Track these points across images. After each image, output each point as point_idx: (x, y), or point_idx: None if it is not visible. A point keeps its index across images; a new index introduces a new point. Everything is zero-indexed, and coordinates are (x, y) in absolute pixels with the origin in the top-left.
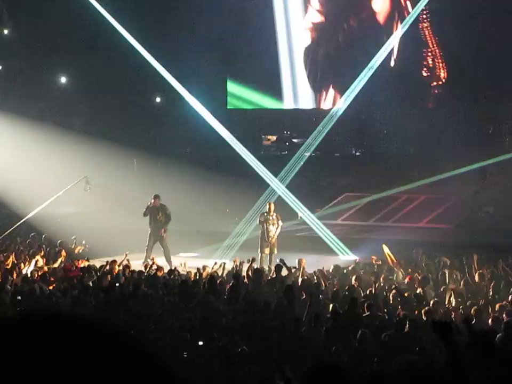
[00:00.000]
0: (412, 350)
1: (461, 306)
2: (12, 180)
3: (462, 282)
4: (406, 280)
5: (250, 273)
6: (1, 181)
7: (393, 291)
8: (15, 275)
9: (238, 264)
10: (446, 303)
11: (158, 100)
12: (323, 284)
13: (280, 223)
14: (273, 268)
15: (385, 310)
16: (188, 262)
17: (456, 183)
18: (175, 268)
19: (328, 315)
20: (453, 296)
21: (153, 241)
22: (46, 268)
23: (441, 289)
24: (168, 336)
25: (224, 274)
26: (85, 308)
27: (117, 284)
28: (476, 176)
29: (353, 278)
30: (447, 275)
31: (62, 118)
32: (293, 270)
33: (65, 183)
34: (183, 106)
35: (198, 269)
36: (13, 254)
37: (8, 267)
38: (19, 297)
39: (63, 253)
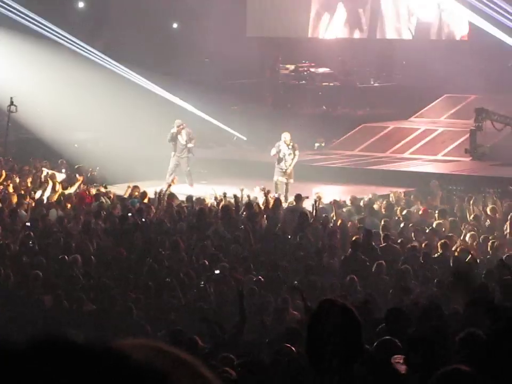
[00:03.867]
0: (429, 282)
1: (475, 241)
2: (33, 104)
3: (473, 216)
4: (420, 212)
5: (267, 203)
6: (24, 105)
7: (410, 224)
8: (28, 199)
9: (261, 192)
10: (462, 237)
11: (175, 25)
12: (336, 215)
13: (297, 152)
14: (288, 197)
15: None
16: (200, 189)
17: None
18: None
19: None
20: (468, 230)
21: (175, 165)
22: (61, 193)
23: (457, 223)
24: (183, 264)
25: (243, 202)
26: (96, 234)
27: (130, 214)
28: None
29: (367, 210)
30: (470, 209)
31: (81, 42)
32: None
33: (85, 107)
34: (200, 33)
35: (216, 198)
36: (30, 178)
37: (23, 192)
38: (28, 223)
39: (80, 178)
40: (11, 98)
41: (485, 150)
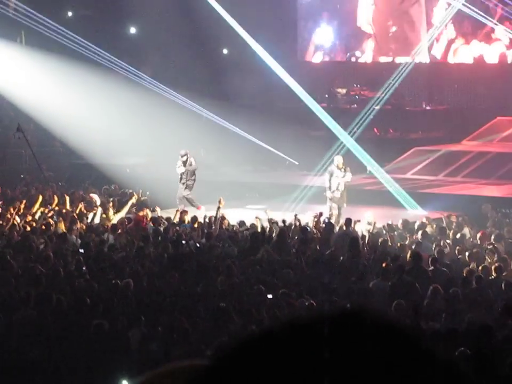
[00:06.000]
0: (480, 307)
1: None
2: (85, 130)
3: None
4: (479, 235)
5: (319, 227)
6: (75, 130)
7: (462, 247)
8: (79, 225)
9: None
10: None
11: (225, 51)
12: (389, 239)
13: (349, 174)
14: (341, 221)
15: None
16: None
17: None
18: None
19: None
20: None
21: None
22: (114, 218)
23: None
24: (236, 288)
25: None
26: (148, 259)
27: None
28: None
29: (420, 233)
30: None
31: (131, 68)
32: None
33: (136, 131)
34: (251, 58)
35: (270, 221)
36: (82, 204)
37: (75, 217)
38: (81, 250)
39: (132, 203)
40: (18, 124)
41: None
